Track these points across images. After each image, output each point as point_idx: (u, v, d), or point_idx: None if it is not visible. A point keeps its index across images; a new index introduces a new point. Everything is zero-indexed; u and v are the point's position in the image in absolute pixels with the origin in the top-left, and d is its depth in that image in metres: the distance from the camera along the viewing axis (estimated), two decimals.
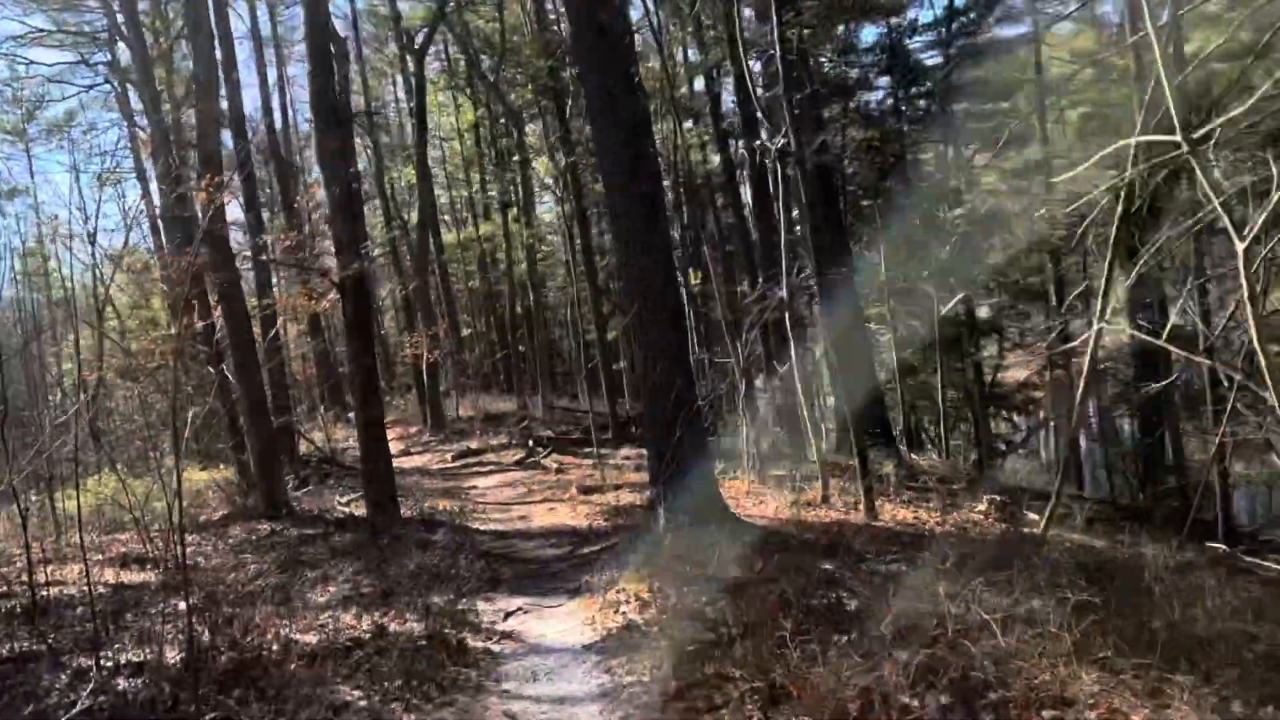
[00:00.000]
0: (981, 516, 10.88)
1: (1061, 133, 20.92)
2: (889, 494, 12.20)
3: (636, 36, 18.54)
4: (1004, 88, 24.37)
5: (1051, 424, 28.55)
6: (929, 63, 25.59)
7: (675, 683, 4.98)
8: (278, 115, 28.87)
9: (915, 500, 12.07)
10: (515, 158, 30.01)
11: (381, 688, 5.39)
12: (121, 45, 20.21)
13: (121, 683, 5.62)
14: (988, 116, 23.53)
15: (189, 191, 13.34)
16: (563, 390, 34.74)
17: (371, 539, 10.18)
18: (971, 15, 24.68)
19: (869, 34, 26.07)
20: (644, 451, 16.77)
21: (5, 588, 8.46)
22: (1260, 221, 6.64)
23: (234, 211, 23.09)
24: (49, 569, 9.66)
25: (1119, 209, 9.62)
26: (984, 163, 24.95)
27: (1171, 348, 9.26)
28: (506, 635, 6.71)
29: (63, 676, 5.81)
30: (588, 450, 17.71)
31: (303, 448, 19.30)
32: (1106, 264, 10.03)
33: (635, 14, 20.25)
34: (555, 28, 25.45)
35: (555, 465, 16.75)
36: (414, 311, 28.94)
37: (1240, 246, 6.51)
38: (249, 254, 17.69)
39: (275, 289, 19.82)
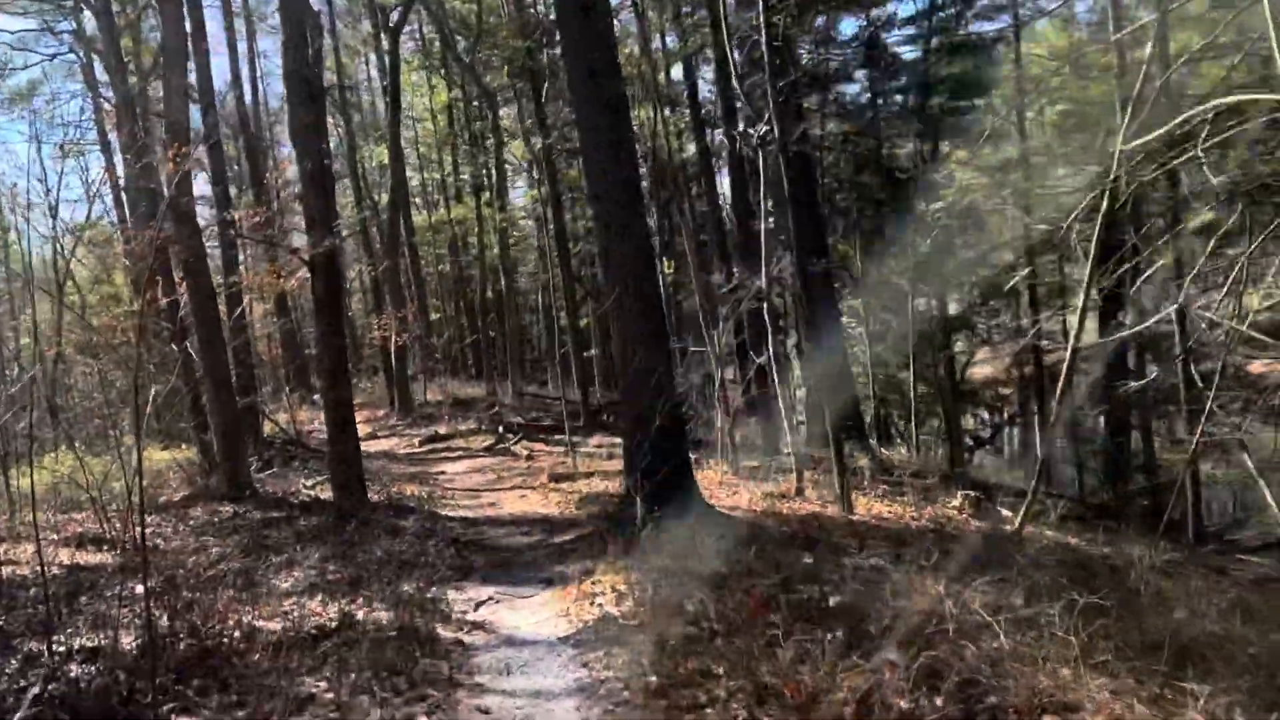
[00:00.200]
0: (956, 512, 10.82)
1: (1040, 129, 20.92)
2: (863, 488, 12.13)
3: (615, 21, 18.31)
4: (982, 83, 24.40)
5: (1019, 420, 28.76)
6: (908, 57, 25.59)
7: (656, 679, 4.81)
8: (248, 90, 28.30)
9: (890, 494, 12.00)
10: (489, 140, 29.66)
11: (349, 680, 5.17)
12: (87, 13, 19.62)
13: (75, 669, 5.35)
14: (966, 112, 23.53)
15: (154, 162, 12.97)
16: (533, 377, 34.50)
17: (338, 523, 9.93)
18: (951, 10, 24.66)
19: (848, 26, 26.02)
20: (616, 440, 16.62)
21: None
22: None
23: (201, 187, 22.68)
24: (2, 548, 9.35)
25: (1104, 205, 9.53)
26: (962, 159, 24.98)
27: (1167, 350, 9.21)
28: (478, 626, 6.50)
29: (13, 661, 5.54)
30: (559, 437, 17.52)
31: (267, 429, 18.93)
32: (1090, 262, 9.97)
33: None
34: (533, 9, 25.13)
35: (526, 452, 16.54)
36: (383, 293, 28.53)
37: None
38: (216, 229, 17.27)
39: (242, 266, 19.39)
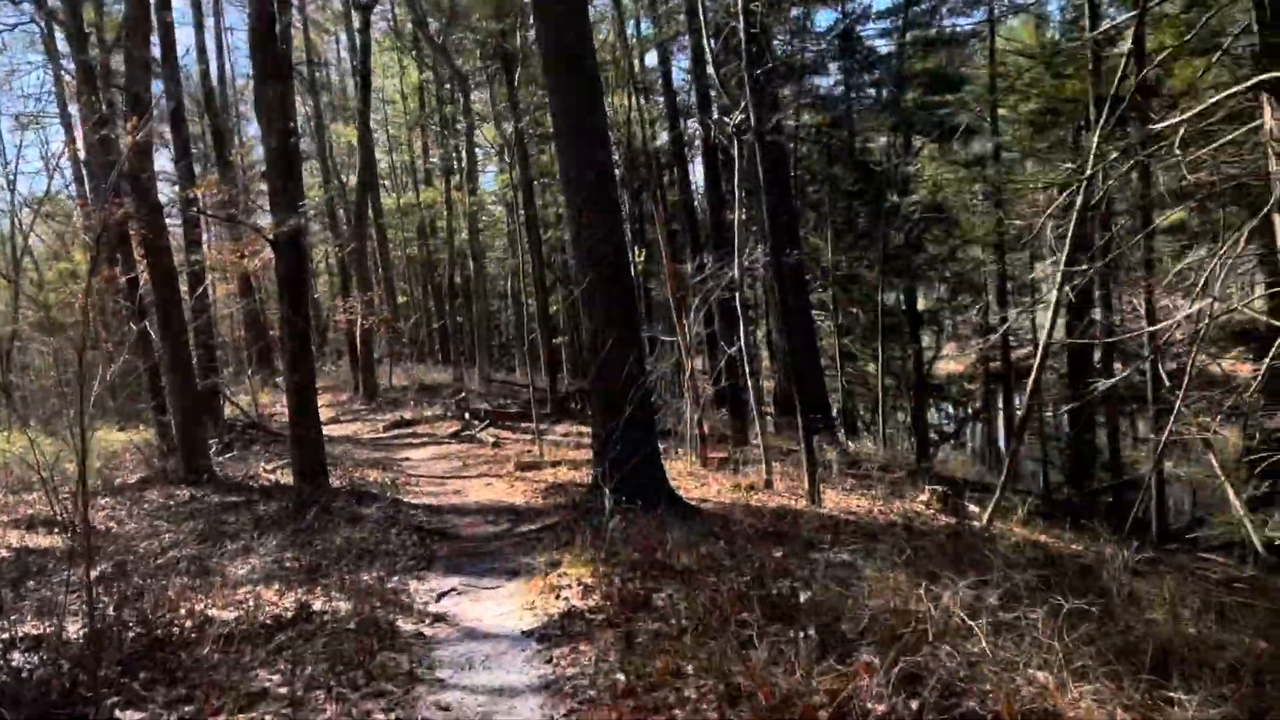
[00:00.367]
0: (924, 507, 10.79)
1: (1014, 126, 20.96)
2: (831, 480, 12.07)
3: (591, 6, 18.05)
4: (956, 78, 24.42)
5: (984, 416, 28.94)
6: (883, 50, 25.59)
7: (623, 677, 4.66)
8: (214, 67, 27.68)
9: (858, 488, 11.95)
10: (461, 124, 29.29)
11: (304, 673, 4.98)
12: None
13: (17, 657, 5.12)
14: (940, 107, 23.54)
15: (114, 134, 12.60)
16: (501, 363, 34.28)
17: (298, 510, 9.68)
18: (926, 5, 24.68)
19: (824, 19, 26.00)
20: (584, 428, 16.47)
21: None
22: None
23: (165, 163, 22.20)
24: None
25: (1079, 200, 9.49)
26: (934, 153, 25.01)
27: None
28: (440, 618, 6.32)
29: None
30: (526, 425, 17.32)
31: (228, 412, 18.60)
32: (1063, 258, 9.94)
33: None
34: None
35: (492, 439, 16.33)
36: (349, 276, 28.12)
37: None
38: (178, 206, 16.86)
39: (205, 245, 18.99)
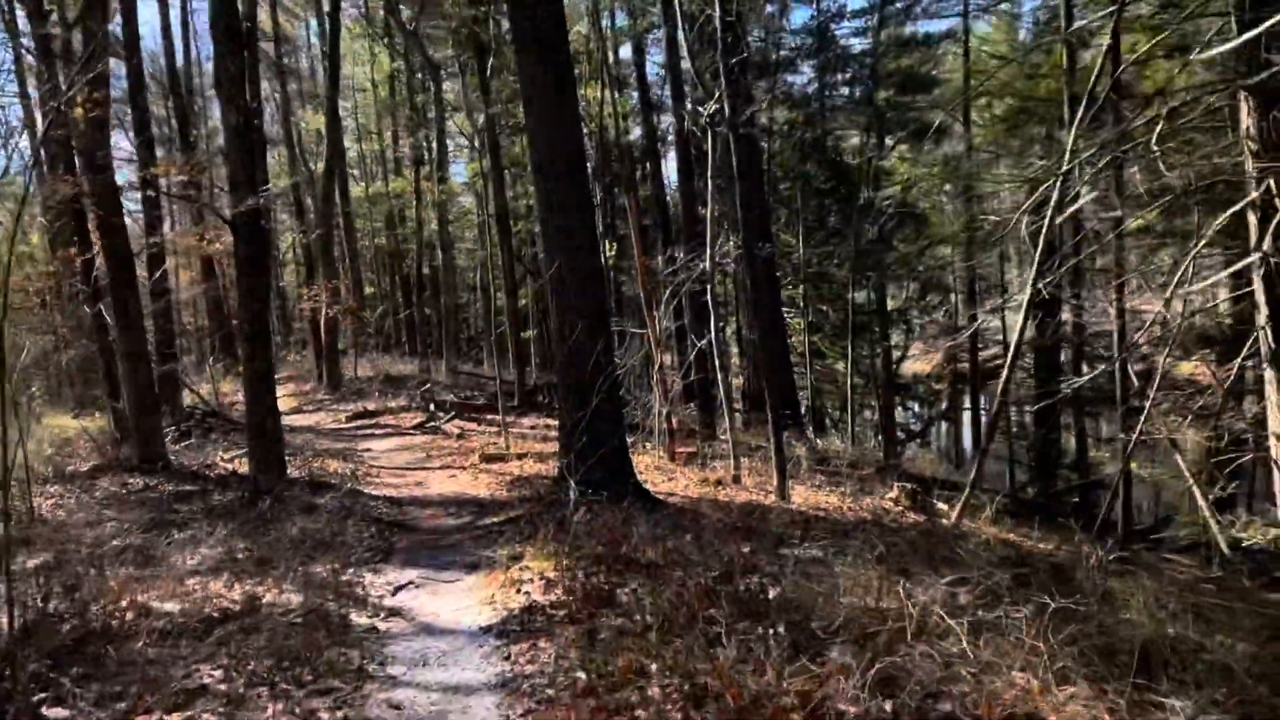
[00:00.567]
0: (893, 504, 10.68)
1: (987, 125, 20.98)
2: (800, 477, 11.95)
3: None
4: (929, 79, 24.45)
5: (950, 415, 29.04)
6: (857, 49, 25.60)
7: (584, 676, 4.45)
8: (179, 46, 27.10)
9: (826, 484, 11.83)
10: (431, 113, 28.91)
11: (247, 669, 4.73)
12: None
13: None
14: (913, 106, 23.55)
15: (68, 110, 12.18)
16: (468, 355, 33.95)
17: (253, 499, 9.39)
18: (900, 4, 24.71)
19: (798, 16, 25.96)
20: (550, 421, 16.24)
21: None
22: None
23: (123, 142, 21.67)
24: None
25: (1053, 198, 9.40)
26: (905, 153, 25.04)
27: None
28: (395, 612, 6.08)
29: None
30: (491, 417, 17.06)
31: (187, 399, 18.15)
32: (1036, 256, 9.86)
33: None
34: None
35: (457, 431, 16.05)
36: (315, 264, 27.65)
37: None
38: (136, 185, 16.42)
39: (166, 228, 18.53)
